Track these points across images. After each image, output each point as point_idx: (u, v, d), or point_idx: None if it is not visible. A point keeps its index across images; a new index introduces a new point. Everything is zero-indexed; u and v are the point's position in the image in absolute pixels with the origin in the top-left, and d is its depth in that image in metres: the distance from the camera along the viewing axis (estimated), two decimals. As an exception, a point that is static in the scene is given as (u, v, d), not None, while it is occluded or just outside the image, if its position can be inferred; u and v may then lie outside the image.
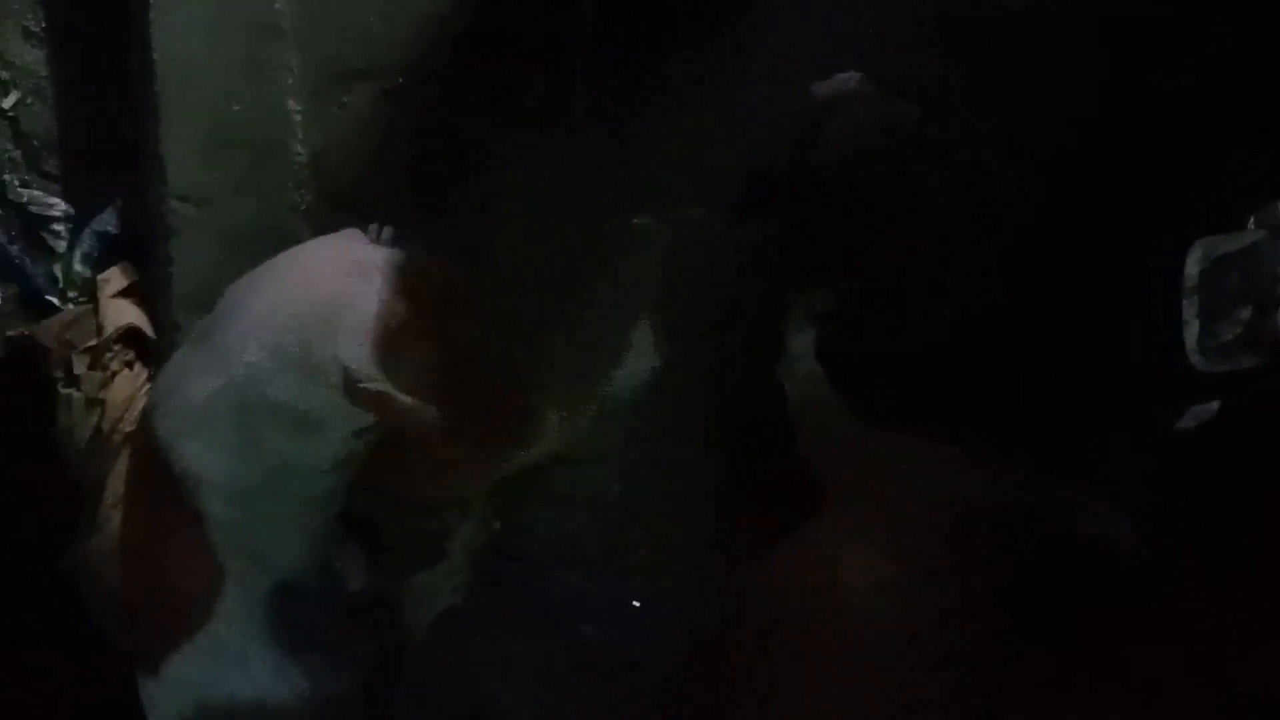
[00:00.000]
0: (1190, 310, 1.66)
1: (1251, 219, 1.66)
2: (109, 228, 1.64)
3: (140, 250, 1.59)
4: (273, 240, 1.47)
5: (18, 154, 1.63)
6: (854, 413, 1.40)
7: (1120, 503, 1.50)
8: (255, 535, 1.28)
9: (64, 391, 1.55)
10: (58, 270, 1.65)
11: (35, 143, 1.63)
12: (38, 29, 1.61)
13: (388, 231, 1.33)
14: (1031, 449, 1.43)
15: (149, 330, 1.57)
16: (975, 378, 1.53)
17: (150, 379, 1.57)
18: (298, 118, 1.49)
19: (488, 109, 1.52)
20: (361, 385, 1.20)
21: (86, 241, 1.64)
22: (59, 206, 1.65)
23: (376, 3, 1.49)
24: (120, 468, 1.53)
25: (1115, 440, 1.55)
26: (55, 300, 1.65)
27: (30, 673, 1.58)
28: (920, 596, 1.12)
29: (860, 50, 1.51)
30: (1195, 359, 1.66)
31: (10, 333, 1.63)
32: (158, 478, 1.27)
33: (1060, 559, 1.18)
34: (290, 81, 1.49)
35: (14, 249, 1.64)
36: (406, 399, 1.22)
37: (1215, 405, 1.68)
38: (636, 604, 1.61)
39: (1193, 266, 1.65)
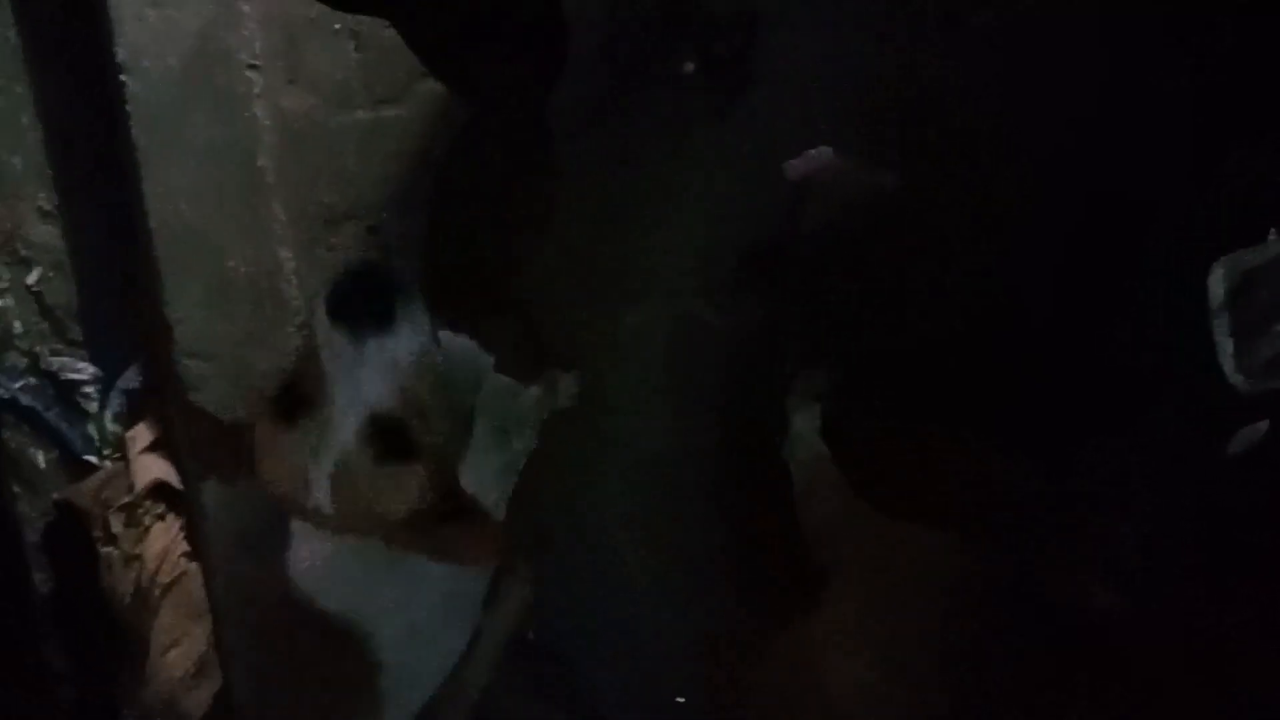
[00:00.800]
0: (1222, 330, 1.62)
1: (1273, 230, 1.62)
2: (134, 384, 1.71)
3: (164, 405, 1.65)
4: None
5: (45, 326, 1.72)
6: (860, 493, 1.39)
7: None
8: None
9: (104, 550, 1.62)
10: (93, 430, 1.73)
11: (59, 313, 1.71)
12: (51, 207, 1.70)
13: None
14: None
15: (176, 482, 1.63)
16: (979, 441, 1.50)
17: (182, 529, 1.63)
18: (290, 265, 1.55)
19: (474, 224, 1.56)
20: None
21: (115, 401, 1.71)
22: (88, 370, 1.72)
23: (352, 144, 1.54)
24: (165, 620, 1.59)
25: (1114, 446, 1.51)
26: (94, 459, 1.73)
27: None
28: (907, 706, 1.10)
29: (834, 122, 1.51)
30: (1237, 380, 1.62)
31: (55, 496, 1.71)
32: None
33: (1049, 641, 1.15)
34: (279, 231, 1.54)
35: (50, 414, 1.72)
36: None
37: (1264, 425, 1.63)
38: (681, 699, 1.61)
39: (1217, 285, 1.61)
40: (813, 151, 1.48)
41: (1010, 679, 1.19)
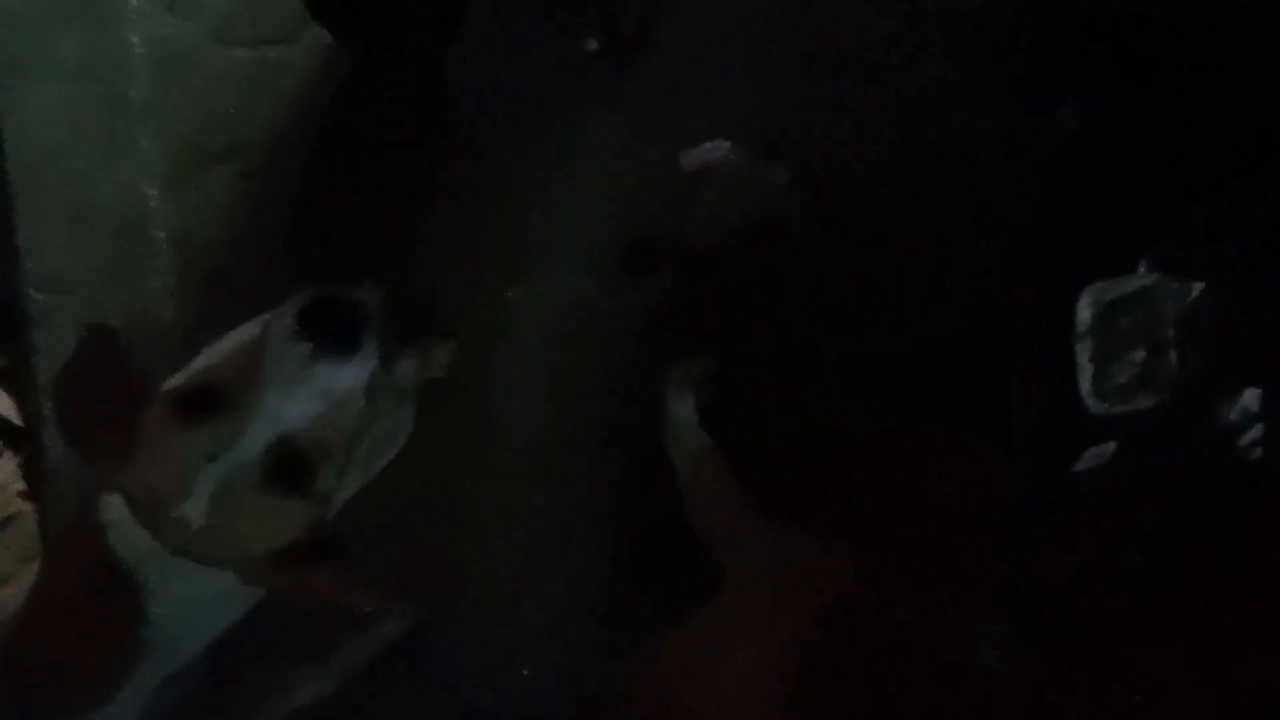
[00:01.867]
0: (1084, 354, 1.67)
1: (1141, 263, 1.67)
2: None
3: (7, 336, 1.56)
4: (142, 323, 1.46)
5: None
6: (748, 488, 1.38)
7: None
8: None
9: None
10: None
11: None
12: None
13: None
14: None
15: (15, 418, 1.54)
16: (869, 434, 1.52)
17: (20, 465, 1.55)
18: (155, 202, 1.47)
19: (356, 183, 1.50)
20: None
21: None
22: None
23: (230, 82, 1.47)
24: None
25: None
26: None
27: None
28: (800, 694, 1.11)
29: (732, 115, 1.50)
30: (1091, 402, 1.67)
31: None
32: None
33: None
34: (146, 166, 1.46)
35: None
36: None
37: (1111, 447, 1.69)
38: (526, 672, 1.61)
39: (1084, 311, 1.66)
40: (709, 145, 1.47)
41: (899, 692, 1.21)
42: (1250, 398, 1.69)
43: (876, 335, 1.54)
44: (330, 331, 1.13)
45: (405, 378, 1.38)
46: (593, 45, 1.42)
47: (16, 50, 1.43)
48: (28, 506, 1.55)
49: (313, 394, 1.12)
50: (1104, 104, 1.60)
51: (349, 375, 1.13)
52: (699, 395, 1.49)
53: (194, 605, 1.23)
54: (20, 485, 1.55)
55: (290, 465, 1.12)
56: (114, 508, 1.16)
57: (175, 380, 1.15)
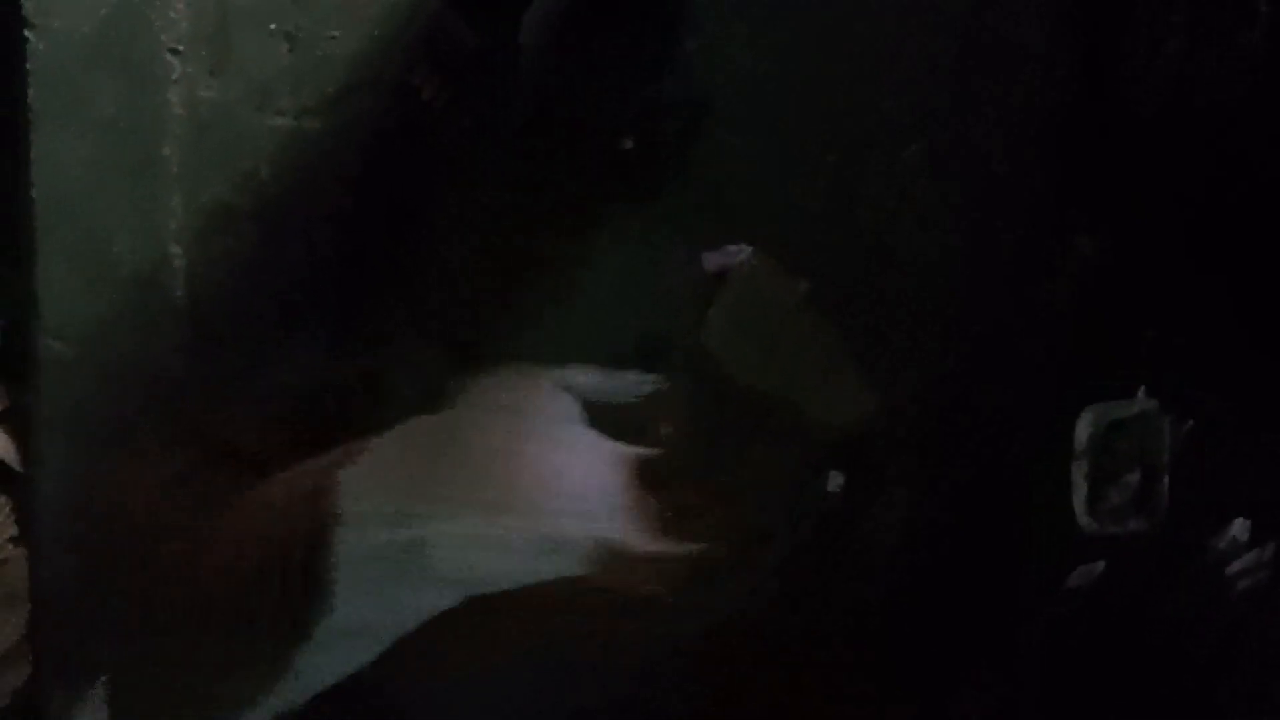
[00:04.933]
0: (1079, 473, 1.69)
1: (1141, 388, 1.70)
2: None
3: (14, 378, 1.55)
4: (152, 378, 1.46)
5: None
6: None
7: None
8: None
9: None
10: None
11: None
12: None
13: None
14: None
15: (14, 462, 1.53)
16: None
17: (12, 510, 1.53)
18: (179, 261, 1.47)
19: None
20: None
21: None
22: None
23: (266, 149, 1.47)
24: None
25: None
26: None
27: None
28: None
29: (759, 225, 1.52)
30: (1084, 521, 1.70)
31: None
32: None
33: None
34: (174, 225, 1.47)
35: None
36: None
37: (1100, 566, 1.71)
38: None
39: (1082, 431, 1.69)
40: (733, 247, 1.49)
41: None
42: (1239, 528, 1.71)
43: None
44: None
45: None
46: (628, 144, 1.44)
47: (53, 102, 1.43)
48: (19, 551, 1.53)
49: None
50: (1124, 235, 1.64)
51: None
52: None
53: (347, 635, 1.21)
54: (13, 530, 1.54)
55: None
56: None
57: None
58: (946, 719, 1.65)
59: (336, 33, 1.45)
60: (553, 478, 1.26)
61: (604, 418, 1.40)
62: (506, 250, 1.49)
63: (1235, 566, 1.65)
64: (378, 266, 1.49)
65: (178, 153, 1.45)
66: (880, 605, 1.61)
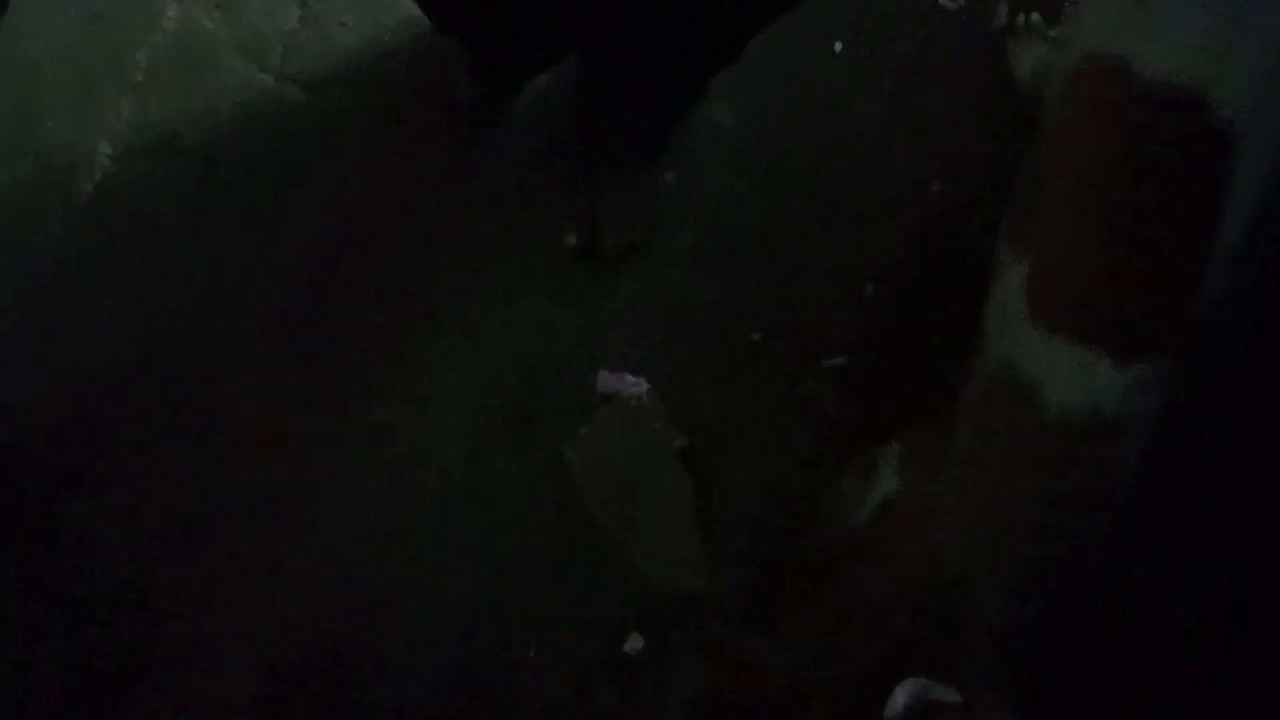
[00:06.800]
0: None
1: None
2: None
3: None
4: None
5: None
6: None
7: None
8: None
9: None
10: None
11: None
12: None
13: None
14: None
15: None
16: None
17: None
18: (101, 160, 1.43)
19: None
20: None
21: None
22: None
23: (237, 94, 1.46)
24: None
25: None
26: None
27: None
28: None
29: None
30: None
31: None
32: None
33: None
34: (112, 123, 1.44)
35: None
36: None
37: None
38: None
39: (899, 695, 1.65)
40: (633, 379, 1.47)
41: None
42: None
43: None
44: None
45: None
46: (570, 241, 1.44)
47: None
48: None
49: None
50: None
51: None
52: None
53: None
54: None
55: None
56: None
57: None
58: None
59: (348, 21, 1.46)
60: None
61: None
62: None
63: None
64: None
65: (148, 61, 1.43)
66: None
